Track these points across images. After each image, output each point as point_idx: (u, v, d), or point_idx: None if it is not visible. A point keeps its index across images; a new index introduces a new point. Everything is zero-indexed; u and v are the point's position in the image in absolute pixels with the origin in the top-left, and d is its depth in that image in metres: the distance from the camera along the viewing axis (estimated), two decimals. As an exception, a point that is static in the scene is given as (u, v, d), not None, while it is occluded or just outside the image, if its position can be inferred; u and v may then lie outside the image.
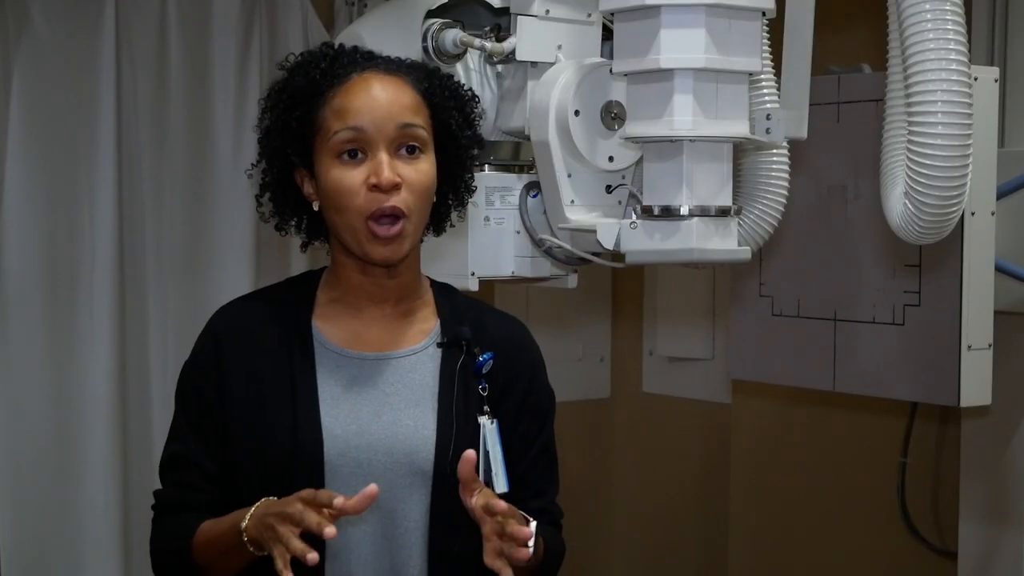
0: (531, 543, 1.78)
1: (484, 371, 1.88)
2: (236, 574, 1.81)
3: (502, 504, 1.73)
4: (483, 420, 1.87)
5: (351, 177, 1.79)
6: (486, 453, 1.85)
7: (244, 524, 1.72)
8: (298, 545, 1.63)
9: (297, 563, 1.72)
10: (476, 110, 1.92)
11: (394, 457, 1.82)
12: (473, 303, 1.98)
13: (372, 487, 1.66)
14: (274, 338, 1.87)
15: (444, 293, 1.97)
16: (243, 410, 1.84)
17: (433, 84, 1.87)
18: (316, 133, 1.82)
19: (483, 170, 2.15)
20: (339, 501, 1.63)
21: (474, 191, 1.95)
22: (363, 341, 1.88)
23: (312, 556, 1.62)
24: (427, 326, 1.92)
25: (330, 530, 1.63)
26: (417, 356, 1.89)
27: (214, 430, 1.85)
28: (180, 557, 1.84)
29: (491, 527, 1.72)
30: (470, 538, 1.80)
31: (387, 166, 1.78)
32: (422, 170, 1.82)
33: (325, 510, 1.65)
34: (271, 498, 1.75)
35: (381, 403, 1.85)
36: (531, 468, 1.94)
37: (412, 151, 1.81)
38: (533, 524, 1.81)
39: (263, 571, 1.74)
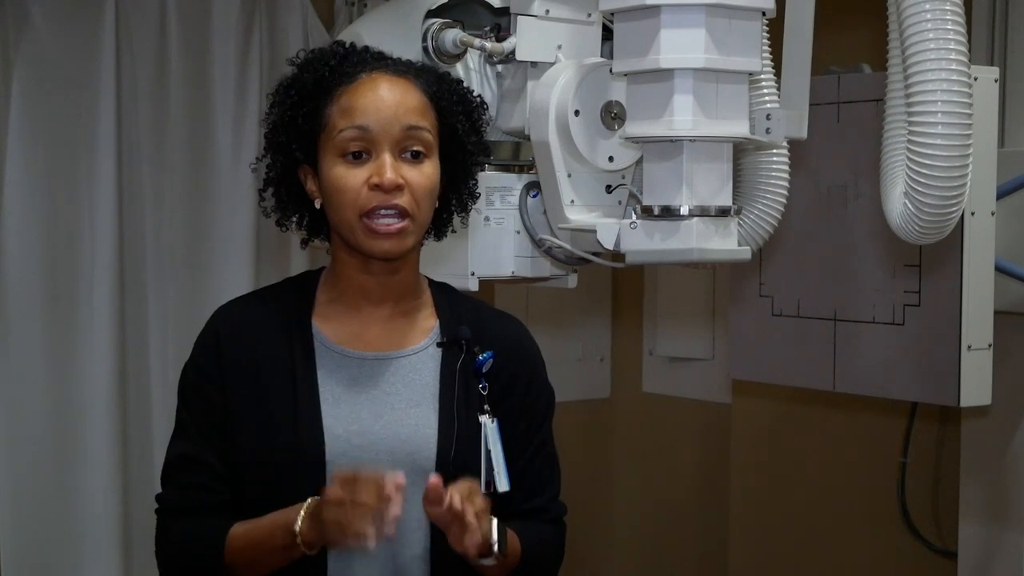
0: (493, 539, 1.77)
1: (484, 370, 1.88)
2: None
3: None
4: (484, 419, 1.87)
5: (353, 176, 1.79)
6: (487, 452, 1.85)
7: (298, 527, 1.72)
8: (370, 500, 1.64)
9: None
10: (484, 117, 1.92)
11: (396, 457, 1.81)
12: (472, 302, 1.98)
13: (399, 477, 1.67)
14: (275, 337, 1.87)
15: (443, 292, 1.97)
16: (245, 409, 1.84)
17: (442, 88, 1.87)
18: (321, 130, 1.82)
19: (483, 170, 2.15)
20: (400, 479, 1.65)
21: (478, 197, 1.95)
22: (363, 341, 1.88)
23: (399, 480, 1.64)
24: (427, 325, 1.91)
25: (399, 478, 1.65)
26: (418, 356, 1.89)
27: (219, 429, 1.85)
28: (209, 561, 1.82)
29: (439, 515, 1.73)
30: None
31: (390, 167, 1.78)
32: (426, 173, 1.82)
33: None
34: (316, 498, 1.75)
35: (382, 403, 1.84)
36: (529, 466, 1.93)
37: (416, 156, 1.81)
38: (494, 520, 1.79)
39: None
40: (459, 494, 1.71)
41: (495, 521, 1.79)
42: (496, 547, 1.78)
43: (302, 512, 1.73)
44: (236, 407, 1.84)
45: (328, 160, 1.81)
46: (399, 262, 1.86)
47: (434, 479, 1.72)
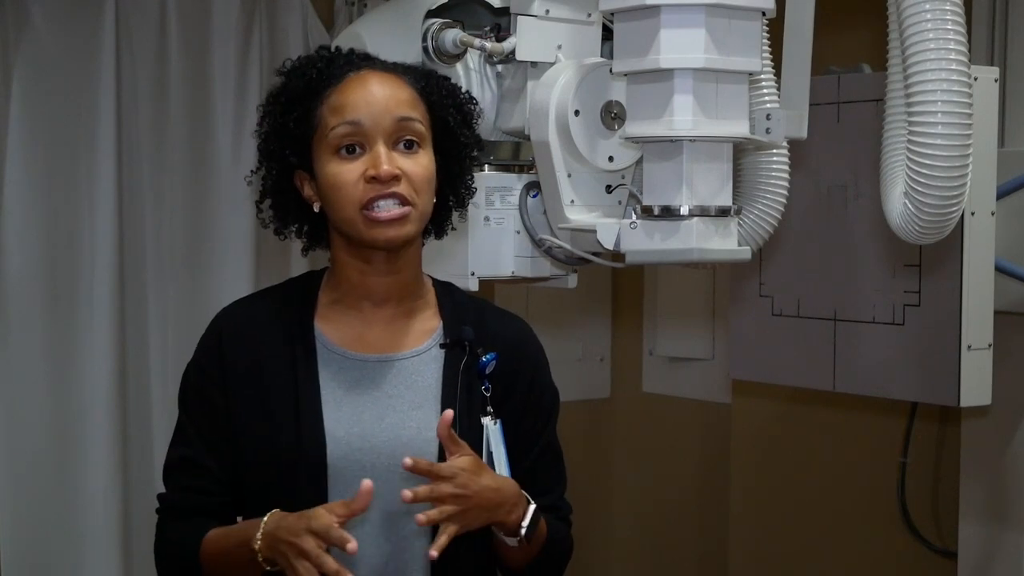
0: (524, 523, 1.80)
1: (487, 372, 1.88)
2: None
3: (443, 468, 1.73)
4: (486, 421, 1.87)
5: (349, 171, 1.79)
6: (489, 454, 1.85)
7: (257, 544, 1.72)
8: None
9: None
10: (475, 111, 1.92)
11: (397, 460, 1.80)
12: (475, 302, 1.98)
13: (367, 483, 1.67)
14: (277, 339, 1.86)
15: (446, 292, 1.96)
16: (247, 412, 1.84)
17: (430, 84, 1.87)
18: (314, 131, 1.82)
19: (483, 170, 2.15)
20: (352, 547, 1.65)
21: (474, 193, 1.95)
22: (365, 342, 1.88)
23: None
24: (430, 326, 1.91)
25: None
26: (420, 358, 1.88)
27: (220, 432, 1.85)
28: (188, 565, 1.83)
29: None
30: (473, 541, 1.81)
31: (385, 158, 1.78)
32: (421, 163, 1.81)
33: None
34: (277, 511, 1.74)
35: (384, 405, 1.84)
36: (535, 466, 1.94)
37: (410, 146, 1.81)
38: (532, 506, 1.82)
39: None
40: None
41: (532, 506, 1.81)
42: (524, 531, 1.79)
43: (260, 529, 1.73)
44: (238, 409, 1.84)
45: (323, 159, 1.81)
46: (401, 260, 1.86)
47: (448, 413, 1.75)
